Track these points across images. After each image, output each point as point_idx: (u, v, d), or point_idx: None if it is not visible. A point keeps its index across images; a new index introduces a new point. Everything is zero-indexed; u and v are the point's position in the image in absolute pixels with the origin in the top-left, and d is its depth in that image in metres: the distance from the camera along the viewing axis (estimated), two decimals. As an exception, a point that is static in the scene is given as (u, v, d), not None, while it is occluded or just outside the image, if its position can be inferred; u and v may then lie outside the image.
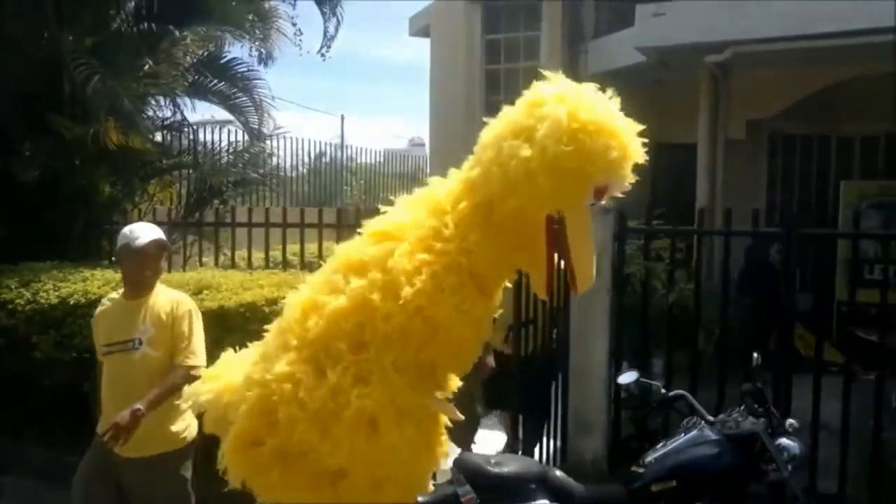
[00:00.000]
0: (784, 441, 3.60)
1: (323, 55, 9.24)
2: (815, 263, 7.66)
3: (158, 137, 8.32)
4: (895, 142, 9.50)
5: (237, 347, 2.86)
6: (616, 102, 2.43)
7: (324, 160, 15.50)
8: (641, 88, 8.96)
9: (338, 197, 15.26)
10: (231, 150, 8.44)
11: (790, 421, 3.62)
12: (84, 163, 6.37)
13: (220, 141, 8.99)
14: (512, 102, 2.51)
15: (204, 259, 7.25)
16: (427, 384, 2.56)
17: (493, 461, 3.48)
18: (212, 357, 3.23)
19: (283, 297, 4.69)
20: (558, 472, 3.51)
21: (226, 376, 2.74)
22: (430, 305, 2.39)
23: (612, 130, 2.35)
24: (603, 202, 2.55)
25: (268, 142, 9.78)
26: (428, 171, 13.77)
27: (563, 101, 2.37)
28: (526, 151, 2.36)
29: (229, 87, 8.71)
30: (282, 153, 11.29)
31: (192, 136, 8.42)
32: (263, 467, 2.49)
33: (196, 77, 8.29)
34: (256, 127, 9.02)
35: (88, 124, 5.88)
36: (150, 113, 7.94)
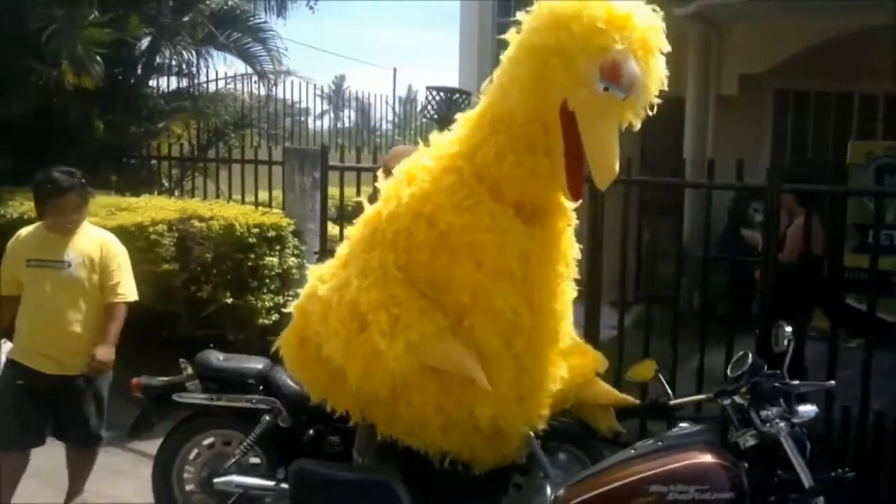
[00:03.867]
0: None
1: (311, 7, 9.72)
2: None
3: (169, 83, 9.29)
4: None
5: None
6: None
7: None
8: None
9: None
10: (229, 95, 9.19)
11: None
12: (69, 101, 7.29)
13: (235, 89, 9.82)
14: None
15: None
16: (445, 315, 2.50)
17: (223, 358, 3.96)
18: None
19: (162, 221, 5.42)
20: (283, 374, 3.87)
21: None
22: (427, 205, 2.45)
23: (586, 4, 2.32)
24: (623, 90, 2.38)
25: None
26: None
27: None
28: (510, 43, 2.48)
29: (243, 37, 9.47)
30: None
31: (195, 82, 9.22)
32: (306, 362, 2.70)
33: (212, 28, 9.07)
34: (272, 76, 9.81)
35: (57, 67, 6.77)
36: (160, 60, 8.86)
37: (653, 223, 5.80)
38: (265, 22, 9.60)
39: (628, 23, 2.33)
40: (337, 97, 28.02)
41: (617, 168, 2.38)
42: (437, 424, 2.56)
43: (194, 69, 9.09)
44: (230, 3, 9.62)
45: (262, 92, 9.77)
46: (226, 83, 9.99)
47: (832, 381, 2.70)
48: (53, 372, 3.85)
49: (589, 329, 4.64)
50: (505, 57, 2.51)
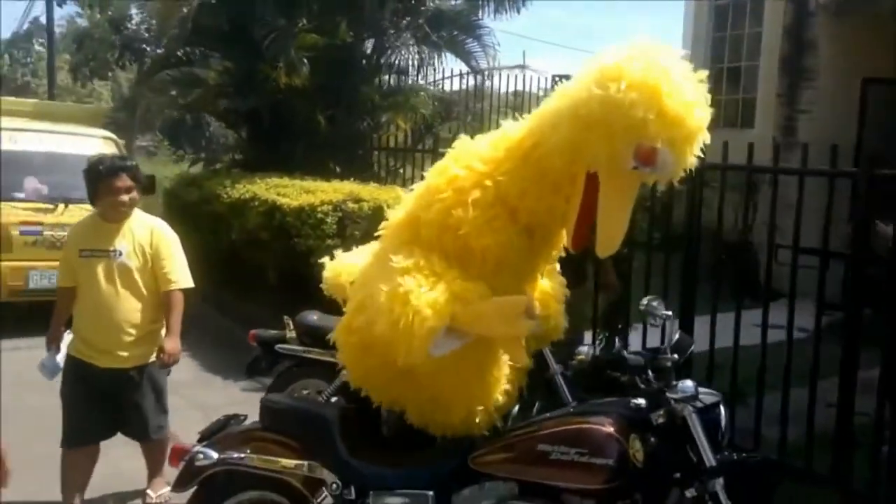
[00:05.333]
0: None
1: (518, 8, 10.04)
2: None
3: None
4: None
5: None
6: (689, 72, 2.41)
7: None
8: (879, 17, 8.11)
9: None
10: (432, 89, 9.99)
11: None
12: (295, 99, 8.50)
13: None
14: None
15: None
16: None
17: (317, 318, 4.57)
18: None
19: (328, 202, 6.11)
20: None
21: (344, 263, 3.58)
22: (450, 217, 2.60)
23: (653, 89, 2.31)
24: (652, 169, 2.44)
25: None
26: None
27: (622, 52, 2.43)
28: (563, 92, 2.54)
29: (459, 35, 10.15)
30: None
31: (417, 80, 10.12)
32: (353, 352, 2.91)
33: (427, 29, 9.87)
34: (485, 68, 10.42)
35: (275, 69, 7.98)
36: (383, 60, 9.86)
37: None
38: (480, 19, 10.23)
39: (680, 123, 2.35)
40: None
41: (619, 243, 2.52)
42: (463, 410, 2.78)
43: (412, 67, 9.97)
44: (449, 3, 10.39)
45: (503, 87, 10.27)
46: (451, 80, 10.84)
47: (677, 356, 2.59)
48: (108, 365, 3.79)
49: (684, 321, 4.60)
50: (554, 104, 2.58)
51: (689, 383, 2.48)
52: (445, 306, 2.41)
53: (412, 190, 2.92)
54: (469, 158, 2.70)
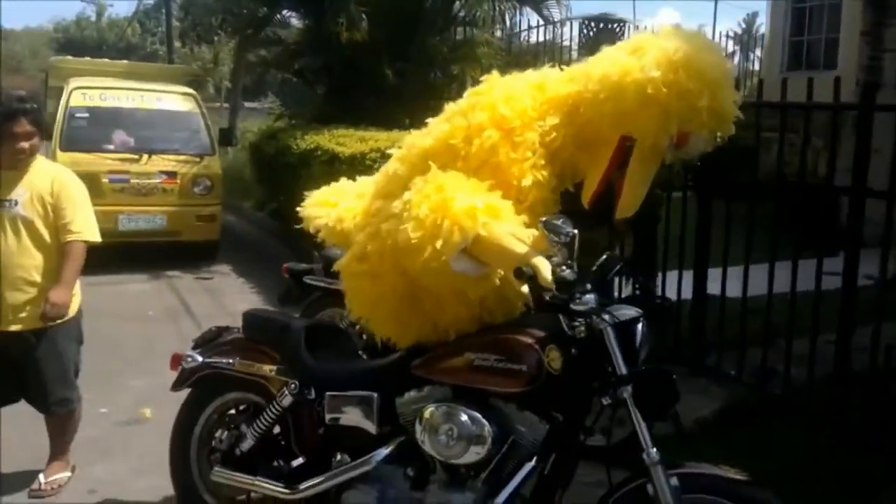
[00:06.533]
0: None
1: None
2: None
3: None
4: None
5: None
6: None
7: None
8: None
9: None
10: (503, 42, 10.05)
11: None
12: (361, 54, 8.83)
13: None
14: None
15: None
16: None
17: (340, 251, 4.87)
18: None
19: (376, 150, 6.37)
20: None
21: (341, 202, 3.27)
22: (497, 155, 2.63)
23: (717, 83, 2.46)
24: (678, 149, 2.58)
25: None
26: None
27: (684, 38, 2.52)
28: (629, 62, 2.55)
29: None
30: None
31: (477, 32, 10.20)
32: (360, 282, 2.91)
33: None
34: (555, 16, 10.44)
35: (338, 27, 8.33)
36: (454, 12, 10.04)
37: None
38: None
39: (726, 119, 2.54)
40: (748, 37, 26.77)
41: (636, 208, 2.70)
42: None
43: (488, 20, 10.08)
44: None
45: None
46: (528, 32, 10.90)
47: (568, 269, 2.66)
48: (3, 328, 3.49)
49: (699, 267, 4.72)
50: (611, 71, 2.60)
51: (590, 296, 2.60)
52: (479, 214, 2.51)
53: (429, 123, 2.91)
54: (516, 100, 2.73)
